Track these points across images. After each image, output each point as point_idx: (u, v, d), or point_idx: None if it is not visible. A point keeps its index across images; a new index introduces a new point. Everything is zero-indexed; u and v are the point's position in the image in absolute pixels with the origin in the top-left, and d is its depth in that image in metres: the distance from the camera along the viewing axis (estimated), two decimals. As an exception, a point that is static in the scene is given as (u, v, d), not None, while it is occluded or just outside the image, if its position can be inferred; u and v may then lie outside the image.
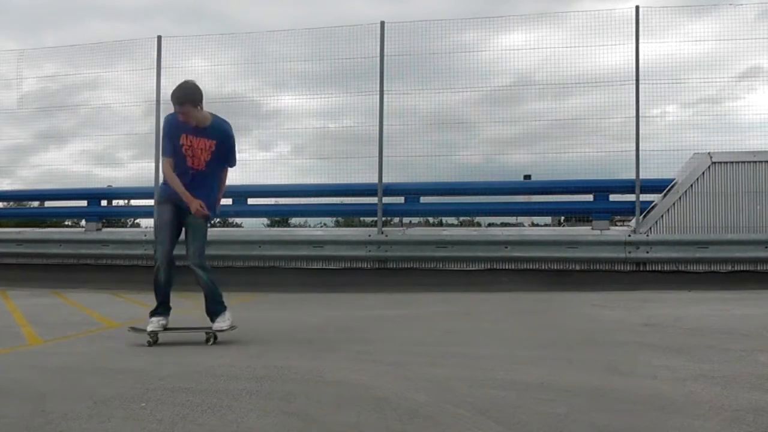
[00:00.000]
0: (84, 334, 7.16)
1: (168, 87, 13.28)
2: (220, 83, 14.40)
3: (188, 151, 6.44)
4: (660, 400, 4.04)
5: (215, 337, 6.51)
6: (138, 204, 15.05)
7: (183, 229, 6.68)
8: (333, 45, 13.23)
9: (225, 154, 6.68)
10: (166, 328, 6.64)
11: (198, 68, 14.08)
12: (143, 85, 13.83)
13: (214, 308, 6.64)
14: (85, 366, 5.35)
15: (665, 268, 11.80)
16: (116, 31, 59.04)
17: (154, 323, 6.58)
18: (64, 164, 15.09)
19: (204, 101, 6.34)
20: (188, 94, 6.36)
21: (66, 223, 17.96)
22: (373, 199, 12.81)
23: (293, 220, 16.25)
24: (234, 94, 14.34)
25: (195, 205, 6.40)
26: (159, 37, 13.44)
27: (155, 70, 13.45)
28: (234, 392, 4.32)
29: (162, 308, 6.75)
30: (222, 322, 6.53)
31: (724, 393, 4.17)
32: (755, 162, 11.83)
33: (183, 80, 6.48)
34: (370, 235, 12.62)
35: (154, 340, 6.45)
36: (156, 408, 3.97)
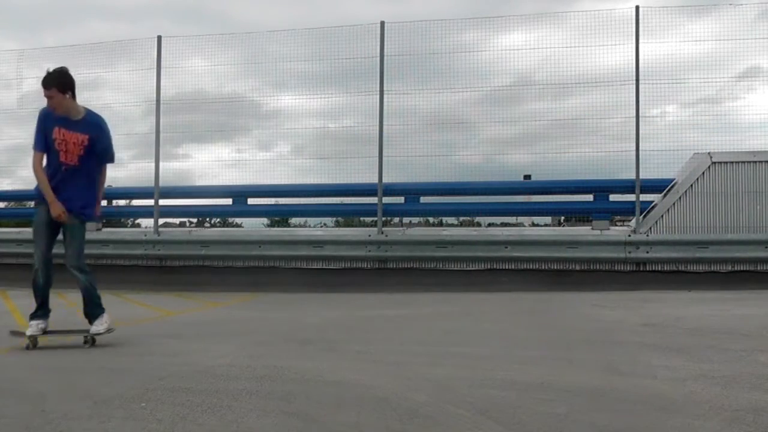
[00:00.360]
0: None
1: (168, 87, 13.43)
2: (220, 83, 14.42)
3: (61, 146, 6.27)
4: (660, 400, 4.04)
5: (93, 341, 6.44)
6: (138, 204, 15.04)
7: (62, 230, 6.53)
8: (333, 45, 13.19)
9: (100, 150, 6.50)
10: (45, 332, 6.52)
11: (198, 68, 14.10)
12: (143, 85, 13.78)
13: (93, 311, 6.54)
14: (85, 366, 5.36)
15: (665, 268, 11.78)
16: (116, 31, 59.20)
17: (33, 327, 6.44)
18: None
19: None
20: (55, 78, 6.21)
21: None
22: (373, 199, 12.79)
23: (293, 220, 16.24)
24: (234, 94, 14.36)
25: (56, 209, 6.29)
26: (159, 37, 13.42)
27: (155, 70, 13.44)
28: (234, 392, 4.32)
29: (41, 311, 6.58)
30: (100, 325, 6.44)
31: (724, 393, 4.17)
32: (755, 162, 11.82)
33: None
34: (370, 235, 12.61)
35: (33, 344, 6.35)
36: (156, 408, 3.97)
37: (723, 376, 4.61)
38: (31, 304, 6.56)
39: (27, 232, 14.72)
